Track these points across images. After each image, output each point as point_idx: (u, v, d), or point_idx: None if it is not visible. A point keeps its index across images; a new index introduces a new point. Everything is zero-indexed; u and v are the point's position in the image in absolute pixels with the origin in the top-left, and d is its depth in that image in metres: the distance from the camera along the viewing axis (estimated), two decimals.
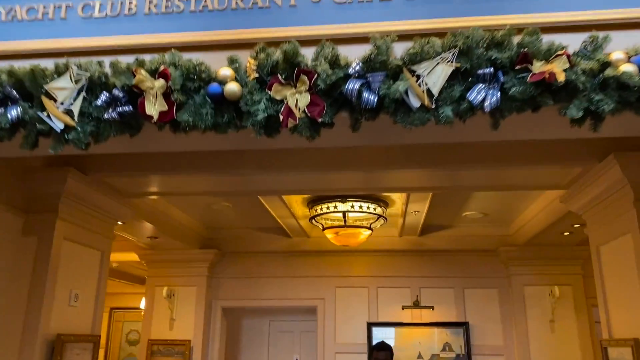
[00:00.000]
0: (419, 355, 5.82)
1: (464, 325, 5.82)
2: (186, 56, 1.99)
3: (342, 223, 4.79)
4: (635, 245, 2.90)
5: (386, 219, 4.90)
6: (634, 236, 2.91)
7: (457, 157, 3.13)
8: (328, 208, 4.74)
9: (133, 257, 6.16)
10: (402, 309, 5.95)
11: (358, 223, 4.87)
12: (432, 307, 5.89)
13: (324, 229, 4.94)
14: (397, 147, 3.03)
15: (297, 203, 5.01)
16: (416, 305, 5.93)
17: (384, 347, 4.13)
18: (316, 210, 4.84)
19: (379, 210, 4.80)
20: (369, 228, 4.87)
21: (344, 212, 4.71)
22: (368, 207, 4.72)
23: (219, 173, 3.39)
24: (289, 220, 5.39)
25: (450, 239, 5.98)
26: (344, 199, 4.67)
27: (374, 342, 5.85)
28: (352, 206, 4.67)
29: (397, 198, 4.81)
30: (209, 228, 6.18)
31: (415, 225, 5.58)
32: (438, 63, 1.85)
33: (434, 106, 1.83)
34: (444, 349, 5.81)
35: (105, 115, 1.98)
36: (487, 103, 1.81)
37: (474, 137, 2.32)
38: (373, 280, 6.15)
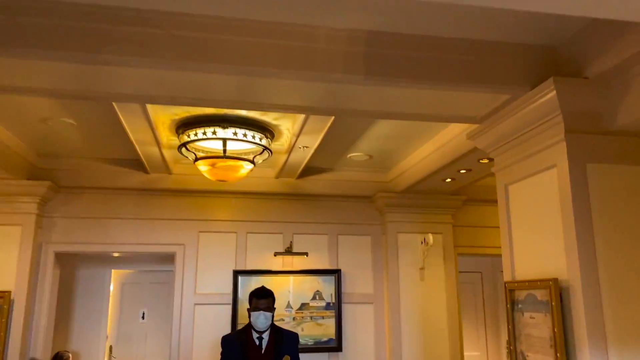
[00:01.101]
0: (288, 305, 5.41)
1: (336, 272, 5.54)
2: None
3: (221, 153, 4.05)
4: (561, 180, 2.71)
5: (271, 152, 4.28)
6: (560, 171, 2.72)
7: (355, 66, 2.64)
8: (205, 134, 3.96)
9: None
10: (275, 255, 5.45)
11: (239, 156, 4.18)
12: (307, 254, 5.49)
13: (196, 159, 4.16)
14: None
15: (164, 126, 4.13)
16: (289, 251, 5.47)
17: (265, 293, 3.57)
18: (189, 136, 4.03)
19: (265, 141, 4.16)
20: (252, 162, 4.21)
21: (224, 140, 3.98)
22: (253, 137, 4.05)
23: (64, 56, 2.44)
24: (150, 148, 4.48)
25: (329, 183, 5.59)
26: (225, 124, 3.93)
27: (240, 292, 5.30)
28: (235, 133, 3.96)
29: (287, 129, 4.21)
30: (42, 154, 4.96)
31: (296, 166, 5.06)
32: None
33: None
34: (314, 298, 5.48)
35: None
36: None
37: None
38: (242, 225, 5.53)
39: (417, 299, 5.47)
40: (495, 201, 6.01)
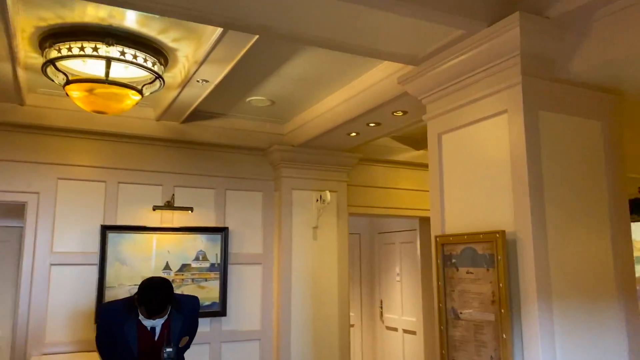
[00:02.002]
0: (167, 266, 4.76)
1: (223, 231, 5.00)
2: None
3: (103, 77, 3.24)
4: (512, 127, 2.53)
5: (164, 82, 3.57)
6: (512, 117, 2.53)
7: None
8: (82, 49, 3.12)
9: None
10: (154, 210, 4.72)
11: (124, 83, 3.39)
12: (191, 209, 4.85)
13: (69, 82, 3.29)
14: None
15: (23, 35, 3.19)
16: (170, 206, 4.78)
17: (160, 308, 2.87)
18: (59, 51, 3.15)
19: (157, 67, 3.44)
20: (140, 92, 3.46)
21: (108, 60, 3.18)
22: (145, 60, 3.31)
23: None
24: (2, 65, 3.47)
25: (219, 131, 4.98)
26: (110, 39, 3.14)
27: (109, 251, 4.52)
28: (123, 53, 3.19)
29: (186, 56, 3.52)
30: None
31: (184, 107, 4.36)
32: None
33: None
34: (197, 258, 4.89)
35: None
36: None
37: None
38: (113, 173, 4.70)
39: (309, 259, 5.18)
40: (386, 161, 5.98)
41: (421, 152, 6.06)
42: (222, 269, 4.97)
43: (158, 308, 2.84)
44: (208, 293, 4.89)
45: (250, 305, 5.09)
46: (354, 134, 4.68)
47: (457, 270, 2.74)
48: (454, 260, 2.77)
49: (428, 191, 5.94)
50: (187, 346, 3.23)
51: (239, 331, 5.00)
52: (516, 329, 2.42)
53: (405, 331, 6.72)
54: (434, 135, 3.08)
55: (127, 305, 2.98)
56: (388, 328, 7.07)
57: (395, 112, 3.99)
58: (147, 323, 2.89)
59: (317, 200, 5.17)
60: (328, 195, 5.03)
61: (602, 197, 2.65)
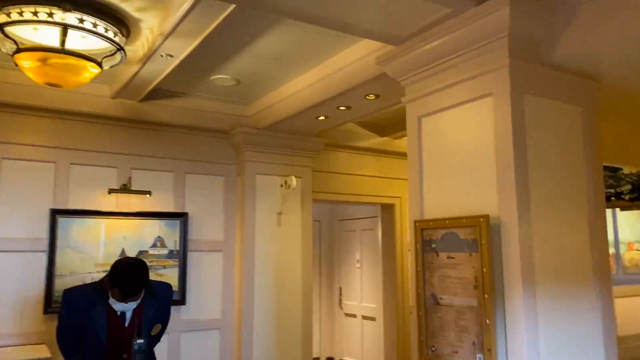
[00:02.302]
0: (122, 253, 4.50)
1: (182, 216, 4.78)
2: None
3: (58, 46, 2.96)
4: (498, 110, 2.49)
5: (125, 55, 3.31)
6: (497, 100, 2.49)
7: None
8: (35, 14, 2.83)
9: None
10: (110, 193, 4.44)
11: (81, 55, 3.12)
12: (149, 193, 4.60)
13: (19, 50, 2.98)
14: None
15: None
16: (127, 189, 4.52)
17: (136, 289, 2.67)
18: (9, 15, 2.85)
19: (119, 39, 3.18)
20: (99, 64, 3.19)
21: (64, 27, 2.90)
22: (106, 30, 3.05)
23: None
24: None
25: (179, 111, 4.74)
26: (67, 4, 2.86)
27: (59, 237, 4.22)
28: (81, 21, 2.92)
29: (150, 28, 3.28)
30: None
31: (144, 83, 4.09)
32: None
33: None
34: (154, 245, 4.66)
35: None
36: None
37: None
38: (64, 154, 4.37)
39: (273, 246, 5.04)
40: (350, 147, 5.90)
41: (385, 138, 6.03)
42: (181, 256, 4.75)
43: (133, 289, 2.63)
44: (166, 281, 4.65)
45: (211, 294, 4.90)
46: (322, 118, 4.56)
47: (437, 255, 2.69)
48: (433, 245, 2.72)
49: (391, 178, 5.94)
50: (159, 336, 3.04)
51: (199, 320, 4.81)
52: (499, 314, 2.39)
53: (364, 317, 6.72)
54: (413, 118, 3.00)
55: (95, 289, 2.74)
56: (347, 315, 7.06)
57: (368, 95, 3.90)
58: (118, 307, 2.67)
59: (282, 185, 5.03)
60: (294, 181, 4.90)
61: (580, 184, 2.66)
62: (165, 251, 4.70)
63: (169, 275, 4.65)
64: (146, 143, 4.71)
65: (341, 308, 7.21)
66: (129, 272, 2.65)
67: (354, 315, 6.90)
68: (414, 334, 2.81)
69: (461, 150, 2.69)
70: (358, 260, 6.91)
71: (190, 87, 4.50)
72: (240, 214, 5.02)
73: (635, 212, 7.69)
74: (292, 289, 5.09)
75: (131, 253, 4.52)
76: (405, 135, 6.03)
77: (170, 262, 4.71)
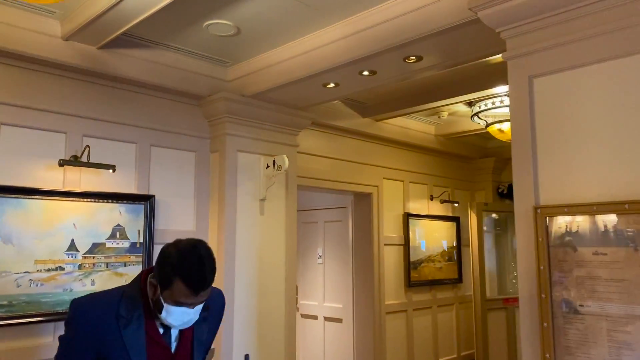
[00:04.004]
0: (72, 246, 3.40)
1: (148, 199, 3.76)
2: None
3: None
4: None
5: None
6: None
7: None
8: None
9: None
10: (60, 165, 3.30)
11: None
12: (113, 168, 3.51)
13: None
14: None
15: None
16: (80, 161, 3.41)
17: (206, 282, 1.64)
18: None
19: None
20: None
21: None
22: None
23: None
24: None
25: (147, 65, 3.70)
26: None
27: None
28: None
29: None
30: None
31: (115, 23, 3.04)
32: None
33: None
34: (113, 236, 3.60)
35: None
36: None
37: None
38: None
39: (255, 238, 4.19)
40: (327, 126, 5.15)
41: (366, 119, 5.40)
42: (147, 250, 3.73)
43: (209, 274, 1.63)
44: (128, 282, 3.61)
45: None
46: (332, 85, 3.81)
47: (576, 250, 2.12)
48: (568, 239, 2.14)
49: (370, 165, 5.27)
50: None
51: None
52: None
53: (327, 319, 6.05)
54: (521, 78, 2.41)
55: (125, 299, 1.71)
56: (304, 316, 6.33)
57: (409, 57, 3.25)
58: (175, 319, 1.69)
59: (268, 166, 4.19)
60: (286, 161, 4.07)
61: None
62: (126, 244, 3.65)
63: (131, 275, 3.61)
64: (103, 103, 3.63)
65: (297, 309, 6.46)
66: (196, 251, 1.64)
67: (314, 317, 6.21)
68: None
69: (602, 119, 2.15)
70: (320, 256, 6.22)
71: (170, 34, 3.50)
72: (216, 199, 4.09)
73: None
74: (276, 286, 4.28)
75: (83, 246, 3.43)
76: (389, 118, 5.51)
77: (133, 257, 3.67)
